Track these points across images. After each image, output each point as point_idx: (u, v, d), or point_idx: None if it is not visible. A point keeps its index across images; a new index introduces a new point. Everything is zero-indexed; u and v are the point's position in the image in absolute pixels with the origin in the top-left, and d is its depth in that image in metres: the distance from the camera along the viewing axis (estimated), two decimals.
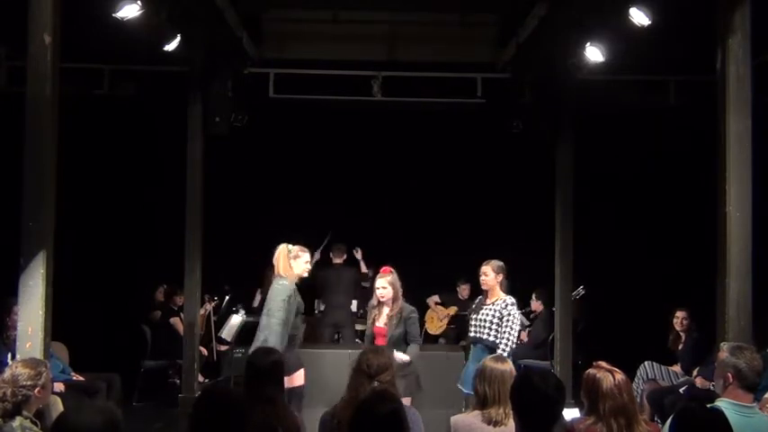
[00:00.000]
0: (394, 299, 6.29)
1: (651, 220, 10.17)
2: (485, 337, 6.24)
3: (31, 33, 5.12)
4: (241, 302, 9.56)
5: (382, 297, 6.30)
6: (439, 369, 7.27)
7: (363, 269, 9.88)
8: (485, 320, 6.28)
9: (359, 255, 9.94)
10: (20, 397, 4.03)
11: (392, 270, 6.41)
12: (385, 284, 6.30)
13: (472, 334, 6.40)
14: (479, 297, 6.58)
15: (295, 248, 6.21)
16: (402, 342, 6.25)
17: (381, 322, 6.32)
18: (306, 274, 6.27)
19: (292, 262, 6.14)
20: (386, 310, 6.32)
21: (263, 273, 10.17)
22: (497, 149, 10.10)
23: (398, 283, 6.34)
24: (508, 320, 6.19)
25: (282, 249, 6.18)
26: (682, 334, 7.83)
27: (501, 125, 9.07)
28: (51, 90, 5.14)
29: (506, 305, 6.25)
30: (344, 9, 9.10)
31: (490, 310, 6.29)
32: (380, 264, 6.74)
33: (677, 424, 3.13)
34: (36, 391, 4.06)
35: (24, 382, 4.04)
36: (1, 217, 6.78)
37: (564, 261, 8.73)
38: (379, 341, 6.26)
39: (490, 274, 6.32)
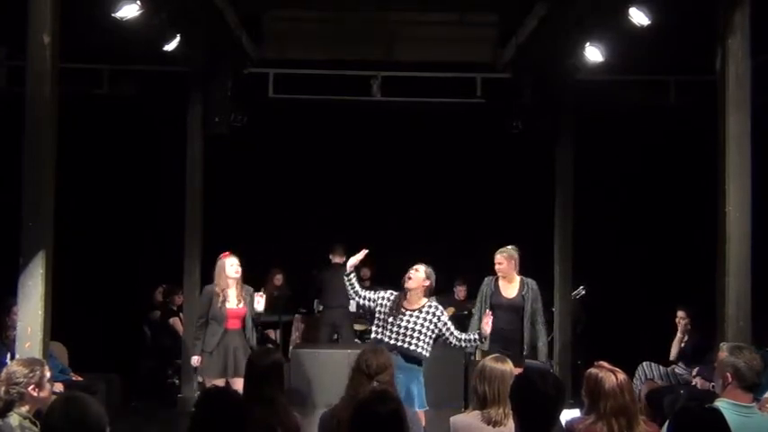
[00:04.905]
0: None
1: (651, 220, 10.16)
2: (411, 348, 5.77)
3: (31, 33, 5.13)
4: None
5: (237, 273, 6.58)
6: (439, 369, 7.27)
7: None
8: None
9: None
10: (13, 394, 4.01)
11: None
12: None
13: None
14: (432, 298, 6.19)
15: None
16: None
17: (233, 303, 6.52)
18: None
19: None
20: (234, 292, 6.54)
21: (267, 273, 10.17)
22: (497, 150, 10.09)
23: None
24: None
25: None
26: (682, 334, 7.81)
27: (501, 125, 9.08)
28: (51, 90, 5.15)
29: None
30: (344, 9, 9.10)
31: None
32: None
33: (676, 424, 3.12)
34: (30, 388, 4.02)
35: (17, 380, 4.01)
36: (1, 217, 6.78)
37: (564, 261, 8.74)
38: (236, 322, 6.44)
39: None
